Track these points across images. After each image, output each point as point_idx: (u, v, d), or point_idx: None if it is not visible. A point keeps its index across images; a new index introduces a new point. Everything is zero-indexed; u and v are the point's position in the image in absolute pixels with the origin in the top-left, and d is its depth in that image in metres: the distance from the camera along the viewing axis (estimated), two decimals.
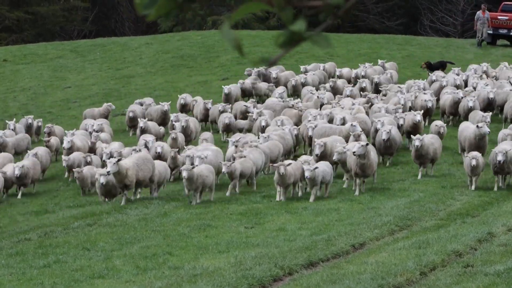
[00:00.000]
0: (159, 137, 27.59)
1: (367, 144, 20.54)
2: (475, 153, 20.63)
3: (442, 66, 37.91)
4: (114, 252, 15.14)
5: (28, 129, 30.24)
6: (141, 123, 27.89)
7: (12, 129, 28.86)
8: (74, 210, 20.18)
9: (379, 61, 37.72)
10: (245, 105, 29.88)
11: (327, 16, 2.91)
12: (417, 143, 21.86)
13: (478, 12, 45.86)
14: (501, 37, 47.38)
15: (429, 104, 28.29)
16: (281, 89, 32.92)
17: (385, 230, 16.15)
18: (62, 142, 26.91)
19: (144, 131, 27.47)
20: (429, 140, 22.27)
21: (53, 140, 27.44)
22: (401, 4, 69.50)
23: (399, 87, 31.48)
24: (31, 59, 48.78)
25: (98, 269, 13.80)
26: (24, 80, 43.95)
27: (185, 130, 27.15)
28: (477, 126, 22.64)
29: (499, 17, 46.18)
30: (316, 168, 19.40)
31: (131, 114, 30.73)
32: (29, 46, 54.04)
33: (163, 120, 30.31)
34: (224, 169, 20.53)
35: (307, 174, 19.26)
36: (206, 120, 31.17)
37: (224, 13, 65.51)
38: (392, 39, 51.41)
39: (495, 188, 20.65)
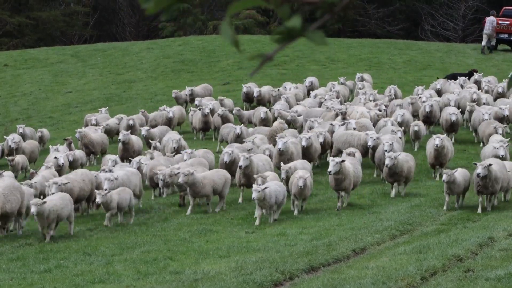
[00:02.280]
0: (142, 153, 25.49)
1: (342, 161, 19.55)
2: (462, 170, 19.37)
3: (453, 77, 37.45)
4: (115, 256, 15.14)
5: (22, 138, 28.28)
6: (121, 135, 25.82)
7: (12, 146, 27.20)
8: (74, 214, 20.15)
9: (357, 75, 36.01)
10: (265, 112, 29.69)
11: (324, 14, 2.95)
12: (388, 161, 20.59)
13: (493, 18, 45.51)
14: (502, 42, 47.43)
15: (453, 118, 27.06)
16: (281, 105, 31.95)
17: (386, 234, 16.16)
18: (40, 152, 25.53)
19: (125, 144, 25.62)
20: (403, 157, 21.10)
21: (19, 158, 25.64)
22: (402, 9, 69.58)
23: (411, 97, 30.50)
24: (32, 64, 48.81)
25: (99, 273, 13.79)
26: (25, 85, 43.97)
27: (177, 150, 24.50)
28: (494, 147, 22.36)
29: (500, 22, 46.18)
30: (266, 188, 17.69)
31: (131, 122, 29.35)
32: (30, 51, 54.09)
33: (168, 126, 29.73)
34: (98, 199, 18.42)
35: (254, 195, 17.58)
36: (206, 129, 30.48)
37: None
38: (393, 44, 51.45)
39: (479, 210, 18.76)
